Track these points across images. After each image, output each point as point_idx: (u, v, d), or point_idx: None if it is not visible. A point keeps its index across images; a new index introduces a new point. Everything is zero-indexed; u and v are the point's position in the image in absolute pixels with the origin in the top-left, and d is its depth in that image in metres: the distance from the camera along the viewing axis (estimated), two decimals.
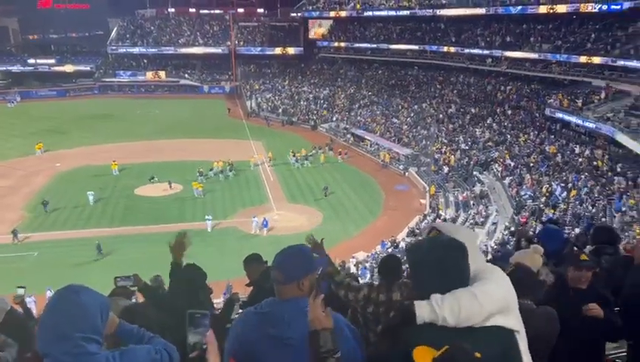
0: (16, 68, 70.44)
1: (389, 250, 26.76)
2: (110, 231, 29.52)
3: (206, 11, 79.16)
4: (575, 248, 4.27)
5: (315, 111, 58.39)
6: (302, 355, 2.23)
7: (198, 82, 72.88)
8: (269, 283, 2.52)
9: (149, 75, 72.10)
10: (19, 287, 5.28)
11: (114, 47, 74.05)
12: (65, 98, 67.56)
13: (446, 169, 38.19)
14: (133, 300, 5.16)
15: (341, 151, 44.75)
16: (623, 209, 25.05)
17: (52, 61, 71.89)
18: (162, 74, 72.26)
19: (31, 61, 71.03)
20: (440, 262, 2.09)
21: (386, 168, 41.88)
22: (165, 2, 79.24)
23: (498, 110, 44.88)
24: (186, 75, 73.47)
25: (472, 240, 2.53)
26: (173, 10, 79.46)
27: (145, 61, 74.33)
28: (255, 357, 2.34)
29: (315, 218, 32.19)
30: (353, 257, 26.28)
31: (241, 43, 74.54)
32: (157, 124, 54.35)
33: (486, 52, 50.19)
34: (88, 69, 72.67)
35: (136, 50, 73.57)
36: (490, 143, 39.92)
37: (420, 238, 2.35)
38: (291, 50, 74.05)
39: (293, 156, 42.63)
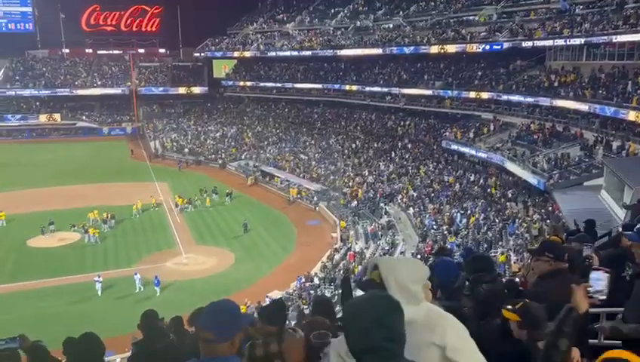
0: None
1: (306, 285, 26.73)
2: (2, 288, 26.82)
3: (104, 52, 76.41)
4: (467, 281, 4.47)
5: (224, 150, 57.84)
6: None
7: (97, 124, 69.67)
8: (157, 344, 2.42)
9: (43, 117, 67.72)
10: None
11: (2, 90, 68.87)
12: None
13: (355, 202, 39.19)
14: None
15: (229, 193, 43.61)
16: (517, 232, 27.06)
17: None
18: (57, 116, 68.17)
19: None
20: (378, 325, 1.94)
21: (293, 204, 42.08)
22: (59, 43, 75.46)
23: (399, 144, 47.18)
24: (84, 117, 69.96)
25: (417, 272, 2.51)
26: (67, 50, 75.82)
27: (37, 103, 69.77)
28: None
29: (227, 259, 31.47)
30: (268, 296, 25.87)
31: (143, 83, 72.66)
32: (51, 169, 50.74)
33: (385, 89, 52.97)
34: None
35: (27, 92, 68.94)
36: (393, 176, 41.66)
37: (356, 296, 2.25)
38: (196, 90, 73.43)
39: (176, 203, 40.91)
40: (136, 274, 27.32)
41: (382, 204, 37.33)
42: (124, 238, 34.58)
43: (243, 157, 55.60)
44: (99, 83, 71.77)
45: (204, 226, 37.22)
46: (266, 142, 57.68)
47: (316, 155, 51.16)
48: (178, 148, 60.13)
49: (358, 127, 54.50)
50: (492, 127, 38.84)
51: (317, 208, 40.64)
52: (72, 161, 54.30)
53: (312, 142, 54.56)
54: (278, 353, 3.45)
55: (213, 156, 56.90)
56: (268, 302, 5.07)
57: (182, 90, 72.82)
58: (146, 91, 71.80)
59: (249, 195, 44.39)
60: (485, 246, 26.78)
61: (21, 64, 72.94)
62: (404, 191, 37.93)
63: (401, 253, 29.69)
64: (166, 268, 30.04)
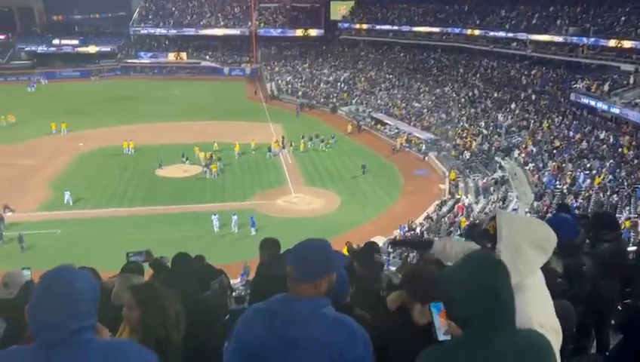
0: (40, 49, 71.36)
1: (408, 234, 26.72)
2: (131, 211, 29.97)
3: None
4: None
5: (335, 94, 58.02)
6: (315, 357, 2.13)
7: (219, 64, 72.88)
8: (277, 271, 2.40)
9: (171, 56, 72.33)
10: (24, 269, 5.29)
11: (136, 28, 74.37)
12: (88, 79, 68.18)
13: (467, 154, 37.74)
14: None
15: (323, 139, 43.05)
16: None
17: (76, 42, 72.59)
18: (184, 55, 72.43)
19: (55, 42, 71.84)
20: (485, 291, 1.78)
21: (398, 152, 41.35)
22: None
23: (522, 95, 44.02)
24: (207, 57, 73.51)
25: (537, 234, 2.27)
26: None
27: (166, 42, 74.62)
28: (262, 356, 2.21)
29: (333, 201, 32.22)
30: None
31: (262, 24, 74.17)
32: (177, 105, 54.65)
33: (510, 35, 49.11)
34: (110, 49, 73.22)
35: (158, 31, 73.84)
36: (512, 128, 39.27)
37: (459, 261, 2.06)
38: (312, 32, 73.49)
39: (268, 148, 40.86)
40: (234, 214, 27.99)
41: (497, 158, 35.56)
42: (241, 174, 36.60)
43: (354, 102, 55.42)
44: (221, 23, 74.51)
45: (313, 169, 38.17)
46: (378, 88, 56.83)
47: (429, 103, 49.55)
48: (292, 91, 61.34)
49: (477, 75, 51.54)
50: (631, 80, 34.72)
51: (426, 158, 39.77)
52: (195, 99, 57.85)
53: (426, 89, 52.75)
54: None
55: (324, 100, 57.36)
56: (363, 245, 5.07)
57: (299, 33, 73.33)
58: (264, 33, 73.38)
59: (357, 141, 44.47)
60: (610, 210, 24.65)
61: (153, 4, 77.62)
62: (523, 146, 35.68)
63: (514, 210, 28.34)
64: (276, 205, 31.58)
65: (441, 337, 2.06)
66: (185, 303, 3.05)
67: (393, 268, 8.66)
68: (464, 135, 40.73)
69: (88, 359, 1.87)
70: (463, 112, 45.15)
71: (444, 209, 30.28)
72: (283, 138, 42.36)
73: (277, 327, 2.19)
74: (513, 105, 42.93)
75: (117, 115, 49.68)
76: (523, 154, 34.65)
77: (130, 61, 72.29)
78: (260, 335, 2.21)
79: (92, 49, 71.95)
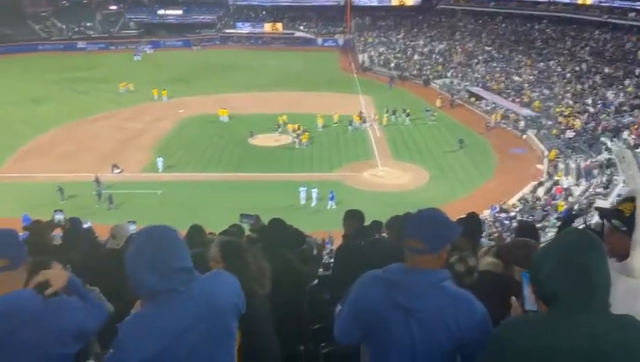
0: (147, 18, 75.55)
1: (500, 215, 25.69)
2: (225, 176, 31.38)
3: None
4: None
5: (429, 67, 56.27)
6: (432, 330, 2.16)
7: (313, 35, 73.16)
8: (361, 241, 2.44)
9: (267, 26, 73.68)
10: (130, 222, 5.72)
11: None
12: (189, 48, 71.37)
13: (570, 133, 35.26)
14: None
15: (409, 113, 41.70)
16: None
17: (179, 12, 75.97)
18: (279, 26, 73.48)
19: (160, 12, 75.65)
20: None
21: (493, 129, 39.42)
22: None
23: (637, 71, 40.12)
24: (302, 27, 74.04)
25: None
26: None
27: (263, 12, 76.01)
28: (377, 322, 2.28)
29: (422, 176, 31.65)
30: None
31: None
32: (271, 75, 55.83)
33: (627, 4, 44.59)
34: (210, 20, 75.91)
35: (255, 1, 75.31)
36: (624, 107, 36.03)
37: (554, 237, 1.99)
38: (409, 1, 71.39)
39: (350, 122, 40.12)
40: (314, 188, 27.95)
41: (603, 139, 32.91)
42: (328, 146, 36.91)
43: (449, 75, 53.47)
44: None
45: (401, 143, 37.60)
46: (475, 60, 54.34)
47: (531, 77, 46.65)
48: (385, 63, 60.32)
49: (587, 48, 47.58)
50: None
51: (524, 136, 37.69)
52: (288, 69, 58.76)
53: (528, 62, 49.63)
54: (476, 267, 3.39)
55: (417, 72, 55.87)
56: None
57: (395, 2, 71.57)
58: (359, 2, 72.39)
59: (451, 116, 43.03)
60: None
61: None
62: (634, 127, 32.68)
63: (619, 195, 26.23)
64: (363, 178, 31.60)
65: (528, 306, 2.03)
66: (277, 266, 3.19)
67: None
68: (568, 113, 38.02)
69: (194, 299, 2.17)
70: (568, 88, 42.07)
71: (541, 191, 28.70)
72: (361, 112, 41.55)
73: (396, 296, 2.24)
74: (627, 82, 39.27)
75: (215, 84, 51.76)
76: (633, 136, 31.75)
77: (228, 31, 74.57)
78: (378, 302, 2.27)
79: (194, 19, 74.99)
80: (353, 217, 5.59)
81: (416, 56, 60.14)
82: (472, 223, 4.23)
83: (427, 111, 42.55)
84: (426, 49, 61.36)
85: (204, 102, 45.27)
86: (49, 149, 35.11)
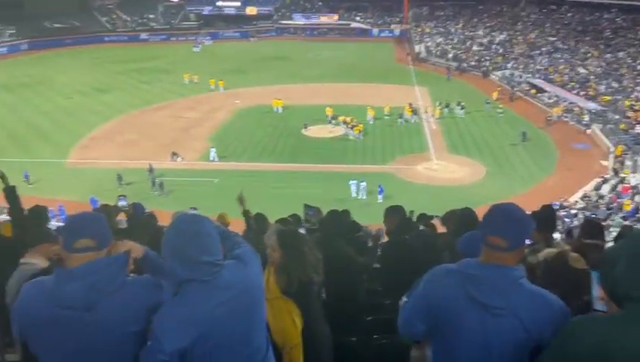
0: (206, 10, 77.22)
1: (560, 213, 24.68)
2: (278, 166, 31.76)
3: None
4: None
5: (489, 58, 54.60)
6: (508, 328, 2.11)
7: (369, 25, 72.55)
8: (405, 236, 2.40)
9: (323, 17, 73.69)
10: (192, 208, 5.98)
11: None
12: (246, 39, 72.45)
13: (639, 128, 33.35)
14: None
15: (464, 106, 40.37)
16: None
17: (238, 4, 77.20)
18: (335, 17, 73.32)
19: (219, 4, 77.12)
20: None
21: (554, 124, 37.76)
22: None
23: None
24: (357, 18, 73.55)
25: None
26: None
27: (319, 3, 76.05)
28: (448, 317, 2.24)
29: (478, 171, 30.84)
30: None
31: None
32: (325, 67, 55.86)
33: None
34: (267, 11, 76.70)
35: None
36: None
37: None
38: None
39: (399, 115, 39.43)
40: (362, 181, 27.60)
41: None
42: (382, 138, 36.60)
43: (509, 66, 51.68)
44: None
45: (458, 136, 36.76)
46: (537, 52, 52.24)
47: (598, 69, 44.38)
48: (442, 53, 59.05)
49: None
50: None
51: (588, 130, 35.97)
52: (342, 60, 58.60)
53: (596, 53, 47.25)
54: (545, 260, 3.33)
55: (475, 63, 54.34)
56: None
57: None
58: None
59: (510, 109, 41.61)
60: None
61: None
62: None
63: None
64: (416, 171, 31.16)
65: (597, 306, 2.00)
66: (334, 256, 3.22)
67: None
68: (638, 107, 35.94)
69: (221, 287, 2.27)
70: (639, 81, 39.73)
71: (605, 188, 27.35)
72: (411, 104, 40.56)
73: (472, 291, 2.19)
74: None
75: (271, 75, 52.37)
76: None
77: (284, 22, 75.14)
78: (451, 296, 2.23)
79: (251, 10, 76.01)
80: (394, 213, 5.58)
81: (475, 47, 58.51)
82: (547, 216, 4.20)
83: (487, 103, 41.34)
84: (485, 39, 59.58)
85: (260, 93, 45.89)
86: (113, 137, 36.69)
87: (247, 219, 5.47)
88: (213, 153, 32.77)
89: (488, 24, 63.54)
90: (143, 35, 73.07)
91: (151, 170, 28.93)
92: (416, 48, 61.81)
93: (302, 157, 32.89)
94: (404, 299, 2.47)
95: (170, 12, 77.91)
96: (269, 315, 2.92)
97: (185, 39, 71.00)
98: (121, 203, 18.57)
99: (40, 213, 5.33)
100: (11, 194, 5.18)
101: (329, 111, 39.21)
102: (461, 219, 4.80)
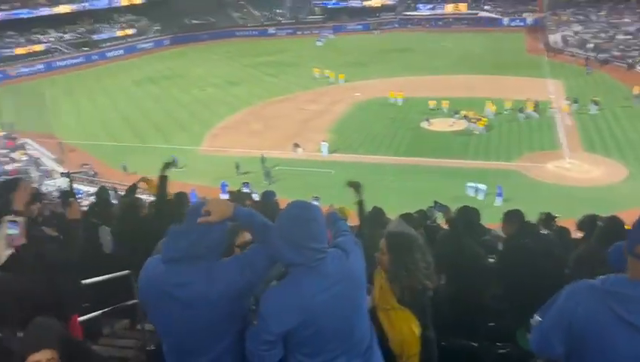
0: (331, 4, 78.37)
1: None
2: (396, 160, 31.48)
3: None
4: None
5: (637, 48, 49.03)
6: None
7: (499, 14, 68.83)
8: (527, 238, 2.22)
9: (449, 7, 71.32)
10: (314, 198, 6.14)
11: None
12: (369, 32, 72.40)
13: None
14: None
15: (598, 102, 36.29)
16: None
17: None
18: (463, 6, 70.56)
19: None
20: None
21: None
22: None
23: None
24: (486, 7, 70.10)
25: None
26: None
27: None
28: (592, 338, 2.07)
29: (618, 172, 27.96)
30: None
31: None
32: (449, 58, 54.10)
33: None
34: (392, 2, 75.90)
35: None
36: None
37: None
38: None
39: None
40: (481, 184, 26.00)
41: None
42: (508, 133, 34.66)
43: None
44: None
45: (596, 133, 33.60)
46: None
47: None
48: (580, 43, 54.17)
49: None
50: None
51: None
52: (468, 51, 56.32)
53: None
54: None
55: (619, 54, 49.09)
56: None
57: None
58: None
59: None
60: None
61: None
62: None
63: None
64: (545, 169, 29.09)
65: None
66: (463, 256, 3.12)
67: None
68: None
69: (324, 274, 2.36)
70: None
71: None
72: (527, 99, 37.50)
73: (619, 311, 2.00)
74: None
75: (392, 67, 51.92)
76: None
77: (408, 14, 73.91)
78: (595, 316, 2.06)
79: (376, 2, 75.73)
80: (513, 218, 5.23)
81: (620, 36, 52.86)
82: None
83: (637, 97, 37.20)
84: (632, 27, 53.57)
85: (380, 86, 45.71)
86: (240, 127, 38.92)
87: (361, 209, 5.40)
88: (325, 147, 33.26)
89: (638, 10, 57.00)
90: (271, 30, 76.28)
91: (263, 160, 30.19)
92: (551, 38, 57.37)
93: (420, 151, 32.25)
94: (538, 317, 2.27)
95: (297, 6, 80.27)
96: (387, 324, 2.90)
97: (310, 33, 72.81)
98: (245, 189, 19.73)
99: (181, 199, 5.85)
100: (163, 182, 5.74)
101: (445, 105, 38.17)
102: (607, 226, 4.35)
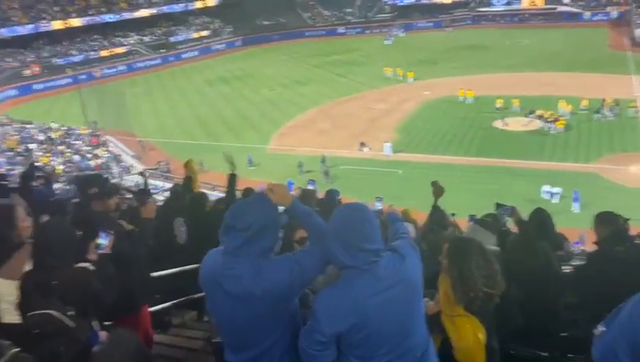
0: (402, 1, 77.33)
1: None
2: (466, 160, 30.64)
3: None
4: None
5: None
6: None
7: (579, 8, 65.24)
8: (619, 246, 2.06)
9: (525, 2, 68.48)
10: (377, 198, 6.15)
11: None
12: (441, 29, 70.91)
13: None
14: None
15: None
16: None
17: None
18: (539, 0, 67.51)
19: None
20: None
21: None
22: None
23: None
24: (566, 1, 66.66)
25: None
26: None
27: None
28: None
29: None
30: None
31: None
32: (525, 55, 51.96)
33: None
34: None
35: None
36: None
37: None
38: None
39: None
40: (556, 187, 24.76)
41: None
42: (587, 133, 32.79)
43: None
44: None
45: None
46: None
47: None
48: None
49: None
50: None
51: None
52: (545, 48, 53.86)
53: None
54: None
55: None
56: None
57: None
58: None
59: None
60: None
61: None
62: None
63: None
64: (628, 172, 27.23)
65: None
66: (536, 260, 3.00)
67: None
68: None
69: (378, 277, 2.35)
70: None
71: None
72: (606, 98, 35.08)
73: None
74: None
75: (463, 65, 50.63)
76: None
77: (482, 10, 71.68)
78: None
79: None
80: (606, 221, 4.85)
81: None
82: None
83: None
84: None
85: (450, 84, 44.64)
86: (308, 126, 39.36)
87: (432, 213, 5.35)
88: (388, 148, 32.82)
89: None
90: (340, 29, 76.50)
91: (323, 159, 30.25)
92: (637, 32, 53.60)
93: (491, 151, 31.21)
94: (601, 327, 2.12)
95: (367, 5, 79.96)
96: (452, 331, 2.84)
97: (379, 31, 72.34)
98: (310, 187, 20.04)
99: (248, 194, 6.03)
100: (232, 180, 5.94)
101: (515, 103, 36.85)
102: None
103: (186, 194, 6.84)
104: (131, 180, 25.89)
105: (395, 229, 2.82)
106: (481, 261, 2.86)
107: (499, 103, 37.62)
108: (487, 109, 37.71)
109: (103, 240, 3.42)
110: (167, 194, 9.52)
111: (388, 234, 2.80)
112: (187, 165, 7.32)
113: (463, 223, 8.66)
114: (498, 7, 70.59)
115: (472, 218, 4.89)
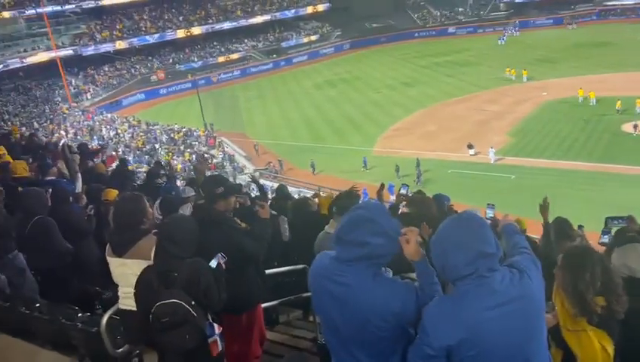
0: None
1: None
2: (588, 166, 28.26)
3: None
4: None
5: None
6: None
7: None
8: None
9: None
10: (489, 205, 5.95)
11: None
12: (562, 26, 66.32)
13: None
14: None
15: None
16: None
17: None
18: None
19: None
20: None
21: None
22: None
23: None
24: None
25: None
26: None
27: None
28: None
29: None
30: None
31: None
32: None
33: None
34: None
35: None
36: None
37: None
38: None
39: None
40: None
41: None
42: None
43: None
44: None
45: None
46: None
47: None
48: None
49: None
50: None
51: None
52: None
53: None
54: None
55: None
56: None
57: None
58: None
59: None
60: None
61: None
62: None
63: None
64: None
65: None
66: None
67: None
68: None
69: (493, 291, 2.20)
70: None
71: None
72: None
73: None
74: None
75: (586, 63, 47.01)
76: None
77: (609, 4, 65.89)
78: None
79: None
80: None
81: None
82: None
83: None
84: None
85: (571, 84, 41.51)
86: (414, 129, 38.69)
87: (546, 228, 5.00)
88: (492, 153, 31.10)
89: None
90: (451, 29, 74.42)
91: (418, 163, 29.45)
92: None
93: (618, 157, 28.46)
94: None
95: (480, 3, 76.95)
96: (576, 347, 2.62)
97: (492, 30, 69.34)
98: (402, 191, 19.52)
99: (351, 195, 6.00)
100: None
101: (618, 105, 33.87)
102: None
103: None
104: (243, 180, 27.22)
105: (513, 243, 2.65)
106: (599, 273, 2.64)
107: (618, 105, 34.54)
108: (611, 112, 34.60)
109: (214, 262, 3.40)
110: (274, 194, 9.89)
111: (505, 247, 2.64)
112: (196, 168, 7.58)
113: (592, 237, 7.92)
114: (628, 1, 64.36)
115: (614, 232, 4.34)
